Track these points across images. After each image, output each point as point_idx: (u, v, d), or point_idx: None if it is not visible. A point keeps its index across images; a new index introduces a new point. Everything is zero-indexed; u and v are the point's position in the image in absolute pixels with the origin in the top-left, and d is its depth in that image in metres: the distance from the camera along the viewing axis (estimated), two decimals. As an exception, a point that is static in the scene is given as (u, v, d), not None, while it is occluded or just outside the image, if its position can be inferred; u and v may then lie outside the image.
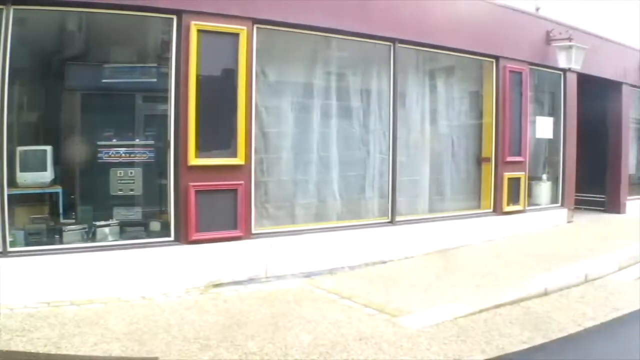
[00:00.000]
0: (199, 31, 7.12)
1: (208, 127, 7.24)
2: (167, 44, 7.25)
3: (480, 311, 6.76)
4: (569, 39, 11.59)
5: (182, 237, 7.20)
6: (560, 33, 11.72)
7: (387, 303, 6.94)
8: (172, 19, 7.11)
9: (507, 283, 7.92)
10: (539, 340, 5.99)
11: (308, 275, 8.10)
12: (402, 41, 9.35)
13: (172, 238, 7.26)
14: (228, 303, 6.78)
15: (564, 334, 6.26)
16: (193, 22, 7.06)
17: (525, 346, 5.86)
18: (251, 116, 7.72)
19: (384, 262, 8.96)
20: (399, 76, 9.47)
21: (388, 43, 9.28)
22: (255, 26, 7.69)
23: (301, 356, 5.26)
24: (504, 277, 8.21)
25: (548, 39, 11.79)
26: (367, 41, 9.10)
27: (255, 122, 7.85)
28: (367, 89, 9.43)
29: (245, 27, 7.50)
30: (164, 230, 7.34)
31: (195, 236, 7.21)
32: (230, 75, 7.48)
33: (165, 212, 7.39)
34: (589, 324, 6.60)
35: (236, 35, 7.43)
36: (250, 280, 7.66)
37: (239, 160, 7.54)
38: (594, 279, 8.44)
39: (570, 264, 8.91)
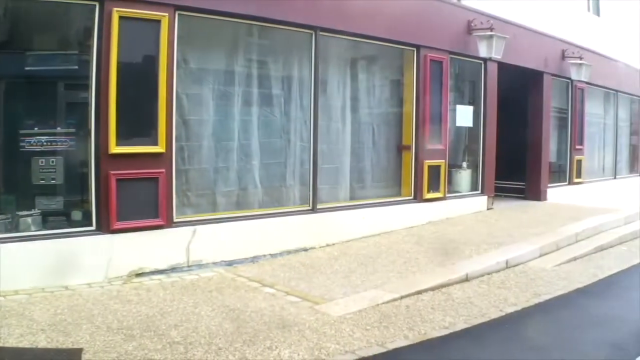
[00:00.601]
0: (121, 17, 7.43)
1: (128, 115, 7.59)
2: (89, 31, 7.53)
3: (402, 297, 7.28)
4: (490, 29, 12.48)
5: (104, 227, 7.54)
6: (481, 23, 12.62)
7: (309, 290, 7.44)
8: (95, 5, 7.42)
9: (428, 269, 8.56)
10: (460, 326, 6.48)
11: (230, 263, 8.59)
12: (323, 29, 9.92)
13: (93, 227, 7.59)
14: (151, 292, 7.14)
15: (486, 319, 6.75)
16: (115, 9, 7.39)
17: (447, 331, 6.32)
18: (172, 104, 8.10)
19: (306, 250, 9.55)
20: (320, 64, 10.07)
21: (309, 31, 9.84)
22: (177, 13, 8.08)
23: (224, 344, 5.57)
24: (425, 264, 8.85)
25: (469, 29, 12.68)
26: (289, 29, 9.65)
27: (175, 110, 8.23)
28: (289, 77, 9.99)
29: (166, 14, 7.88)
30: (86, 220, 7.64)
31: (117, 225, 7.57)
32: (151, 62, 7.86)
33: (87, 201, 7.70)
34: (510, 309, 7.13)
35: (158, 21, 7.81)
36: (173, 269, 8.08)
37: (159, 149, 7.93)
38: (515, 265, 9.14)
39: (491, 251, 9.65)
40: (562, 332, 6.54)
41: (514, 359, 5.79)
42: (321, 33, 9.93)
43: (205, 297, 7.04)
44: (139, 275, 7.77)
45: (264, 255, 9.05)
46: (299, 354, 5.46)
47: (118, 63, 7.45)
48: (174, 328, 5.95)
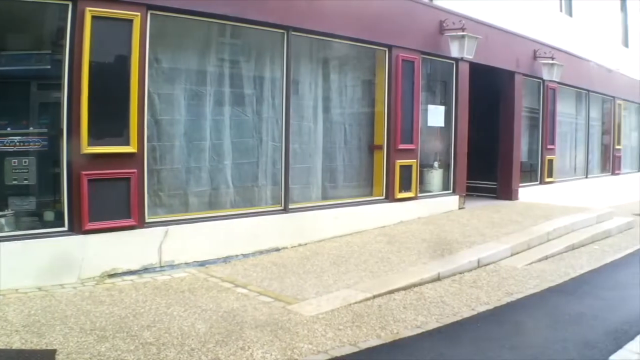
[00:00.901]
0: (94, 17, 7.60)
1: (101, 115, 7.74)
2: (62, 31, 7.67)
3: (374, 297, 7.48)
4: (462, 29, 12.82)
5: (76, 227, 7.70)
6: (453, 23, 12.96)
7: (281, 290, 7.63)
8: (68, 5, 7.57)
9: (400, 269, 8.78)
10: (432, 325, 6.66)
11: (202, 264, 8.79)
12: (295, 29, 10.17)
13: (66, 228, 7.73)
14: (123, 293, 7.29)
15: (458, 318, 6.94)
16: (88, 8, 7.55)
17: (420, 330, 6.48)
18: (144, 104, 8.29)
19: (278, 250, 9.78)
20: (293, 64, 10.32)
21: (282, 31, 10.08)
22: (149, 12, 8.27)
23: (197, 345, 5.69)
24: (397, 263, 9.08)
25: (441, 29, 13.00)
26: (261, 28, 9.88)
27: (147, 110, 8.43)
28: (261, 76, 10.20)
29: (139, 13, 8.06)
30: (58, 220, 7.78)
31: (89, 226, 7.73)
32: (123, 62, 8.03)
33: (59, 201, 7.83)
34: (482, 308, 7.33)
35: (130, 21, 7.99)
36: (145, 269, 8.26)
37: (131, 149, 8.11)
38: (487, 264, 9.43)
39: (462, 250, 9.92)
40: (534, 331, 6.72)
41: (486, 358, 5.91)
42: (293, 33, 10.16)
43: (177, 298, 7.18)
44: (111, 276, 7.92)
45: (237, 256, 9.25)
46: (271, 354, 5.58)
47: (90, 63, 7.61)
48: (147, 329, 6.07)
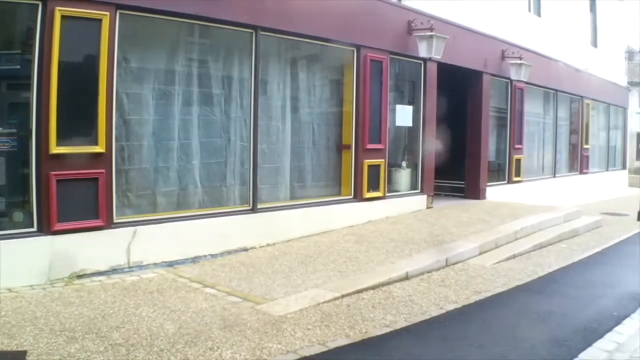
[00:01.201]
0: (63, 17, 7.75)
1: (69, 115, 7.90)
2: (32, 31, 7.78)
3: (343, 296, 7.67)
4: (430, 29, 13.15)
5: (45, 228, 7.83)
6: (421, 23, 13.29)
7: (250, 290, 7.80)
8: (38, 4, 7.70)
9: (368, 268, 9.00)
10: (401, 324, 6.83)
11: (171, 264, 8.97)
12: (264, 29, 10.40)
13: (35, 229, 7.86)
14: (92, 294, 7.42)
15: (426, 317, 7.11)
16: (57, 8, 7.70)
17: (388, 330, 6.63)
18: (112, 103, 8.44)
19: (247, 250, 9.98)
20: (261, 64, 10.55)
21: (250, 30, 10.29)
22: (118, 12, 8.43)
23: (166, 346, 5.80)
24: (365, 262, 9.30)
25: (410, 29, 13.34)
26: (230, 28, 10.09)
27: (116, 110, 8.59)
28: (229, 76, 10.42)
29: (108, 13, 8.23)
30: (27, 221, 7.89)
31: (58, 226, 7.87)
32: (92, 61, 8.20)
33: (28, 202, 7.95)
34: (451, 307, 7.52)
35: (99, 20, 8.15)
36: (114, 270, 8.42)
37: (99, 149, 8.27)
38: (455, 263, 9.70)
39: (431, 249, 10.18)
40: (503, 329, 6.90)
41: (455, 356, 6.03)
42: (262, 32, 10.38)
43: (146, 299, 7.32)
44: (80, 276, 8.05)
45: (205, 256, 9.45)
46: (240, 355, 5.72)
47: (59, 62, 7.76)
48: (116, 330, 6.19)
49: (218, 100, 10.30)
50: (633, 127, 34.61)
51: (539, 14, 19.83)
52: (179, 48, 9.75)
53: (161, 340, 5.97)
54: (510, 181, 17.96)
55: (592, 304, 7.92)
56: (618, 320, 7.12)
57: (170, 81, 9.65)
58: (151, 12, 8.88)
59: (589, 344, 6.29)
